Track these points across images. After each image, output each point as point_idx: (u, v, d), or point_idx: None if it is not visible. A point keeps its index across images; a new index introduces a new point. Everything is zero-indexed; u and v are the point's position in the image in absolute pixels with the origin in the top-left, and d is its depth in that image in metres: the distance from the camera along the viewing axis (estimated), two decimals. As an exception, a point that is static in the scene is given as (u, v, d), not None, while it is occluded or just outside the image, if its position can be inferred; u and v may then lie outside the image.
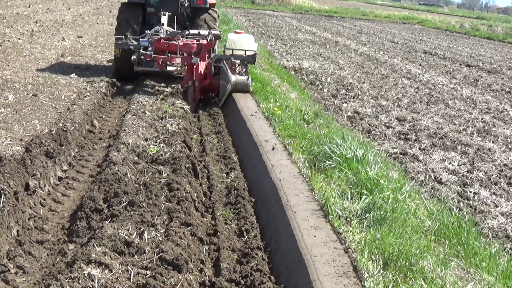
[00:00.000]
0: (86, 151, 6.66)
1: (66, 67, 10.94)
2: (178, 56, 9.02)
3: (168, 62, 9.29)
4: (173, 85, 9.86)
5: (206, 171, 6.16)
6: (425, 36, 32.54)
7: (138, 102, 8.57)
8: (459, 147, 8.58)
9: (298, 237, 4.17)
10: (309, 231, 4.27)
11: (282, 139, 6.87)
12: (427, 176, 7.04)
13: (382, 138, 8.73)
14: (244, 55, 9.50)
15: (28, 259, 4.03)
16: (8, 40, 13.07)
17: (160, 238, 4.20)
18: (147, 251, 3.98)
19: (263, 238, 4.68)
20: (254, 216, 5.08)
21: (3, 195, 4.38)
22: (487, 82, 16.08)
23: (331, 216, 4.54)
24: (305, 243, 4.07)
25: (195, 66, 9.06)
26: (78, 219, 4.59)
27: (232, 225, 4.95)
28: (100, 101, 8.76)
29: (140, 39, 9.61)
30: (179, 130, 7.29)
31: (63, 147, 6.21)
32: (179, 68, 10.18)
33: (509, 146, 9.00)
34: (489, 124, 10.41)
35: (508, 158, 8.28)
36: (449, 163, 7.70)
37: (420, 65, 18.63)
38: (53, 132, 6.36)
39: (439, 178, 7.03)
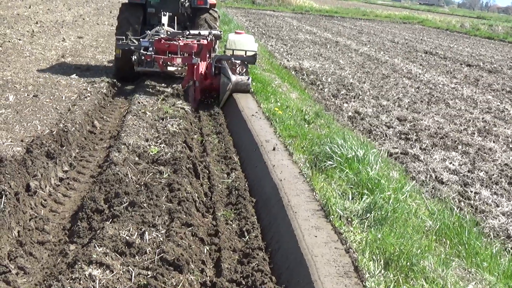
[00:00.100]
0: (87, 151, 6.66)
1: (67, 67, 10.94)
2: (179, 56, 9.02)
3: (168, 63, 9.29)
4: (173, 86, 9.86)
5: (207, 172, 6.16)
6: (425, 36, 32.53)
7: (139, 103, 8.55)
8: (460, 147, 8.58)
9: (299, 238, 4.17)
10: (310, 231, 4.27)
11: (283, 139, 6.87)
12: (428, 176, 7.04)
13: (383, 138, 8.73)
14: (245, 55, 9.51)
15: (29, 260, 4.03)
16: (9, 41, 13.07)
17: (161, 239, 4.19)
18: (148, 252, 3.98)
19: (264, 238, 4.68)
20: (255, 217, 5.08)
21: (4, 195, 4.37)
22: (487, 81, 16.07)
23: (332, 216, 4.54)
24: (306, 243, 4.07)
25: (195, 66, 9.06)
26: (79, 220, 4.59)
27: (233, 225, 4.95)
28: (100, 102, 8.77)
29: (141, 39, 9.62)
30: (179, 131, 7.28)
31: (64, 147, 6.21)
32: (179, 68, 10.17)
33: (510, 146, 8.99)
34: (490, 124, 10.40)
35: (509, 158, 8.27)
36: (450, 163, 7.69)
37: (420, 65, 18.62)
38: (53, 132, 6.36)
39: (440, 178, 7.02)
